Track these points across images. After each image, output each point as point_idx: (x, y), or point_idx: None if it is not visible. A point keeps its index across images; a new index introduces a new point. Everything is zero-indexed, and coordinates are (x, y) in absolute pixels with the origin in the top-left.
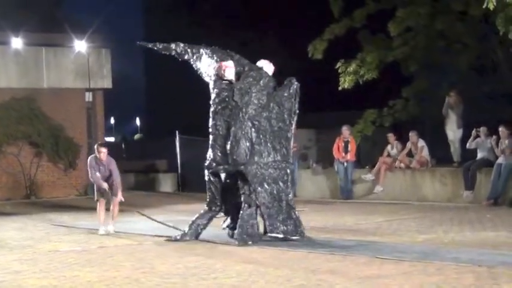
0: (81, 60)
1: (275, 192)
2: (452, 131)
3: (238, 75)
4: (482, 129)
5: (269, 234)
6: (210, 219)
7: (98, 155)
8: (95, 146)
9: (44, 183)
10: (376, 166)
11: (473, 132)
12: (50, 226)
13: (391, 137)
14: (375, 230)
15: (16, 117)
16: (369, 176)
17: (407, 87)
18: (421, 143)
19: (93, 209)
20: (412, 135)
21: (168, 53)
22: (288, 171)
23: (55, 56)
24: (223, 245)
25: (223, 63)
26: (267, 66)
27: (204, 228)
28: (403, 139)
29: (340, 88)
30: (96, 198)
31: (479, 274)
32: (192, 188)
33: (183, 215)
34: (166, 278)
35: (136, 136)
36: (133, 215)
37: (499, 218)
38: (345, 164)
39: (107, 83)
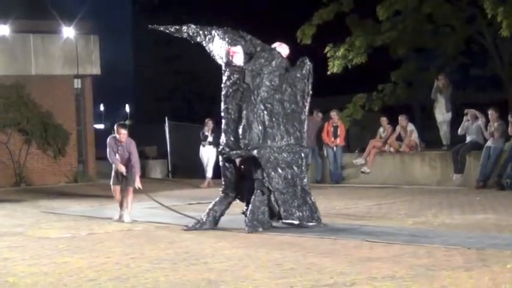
0: (69, 46)
1: (289, 177)
2: (441, 114)
3: (250, 56)
4: (471, 112)
5: (284, 221)
6: (227, 206)
7: (117, 136)
8: (115, 126)
9: (34, 170)
10: (367, 149)
11: (464, 118)
12: (40, 213)
13: (384, 120)
14: (364, 214)
15: (4, 105)
16: (360, 161)
17: (396, 71)
18: (410, 126)
19: (83, 195)
20: (402, 119)
21: (180, 36)
22: (303, 154)
23: (43, 42)
24: (215, 231)
25: (231, 49)
26: (281, 48)
27: (222, 214)
28: (392, 123)
29: (329, 72)
30: (112, 183)
31: (469, 256)
32: (182, 174)
33: (174, 200)
34: (155, 263)
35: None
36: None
37: (488, 201)
38: (334, 148)
39: (96, 70)
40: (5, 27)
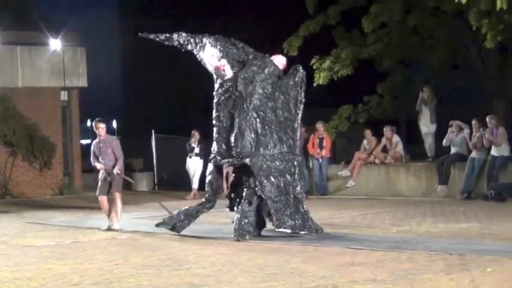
0: (56, 58)
1: (282, 185)
2: (426, 126)
3: (243, 63)
4: (455, 124)
5: (276, 229)
6: (205, 210)
7: (96, 132)
8: (93, 123)
9: (19, 182)
10: (352, 161)
11: (449, 129)
12: (25, 223)
13: (368, 133)
14: (348, 223)
15: None
16: (345, 172)
17: (382, 83)
18: (396, 138)
19: (68, 207)
20: (387, 130)
21: (170, 44)
22: (295, 163)
23: (30, 54)
24: (198, 239)
25: (220, 64)
26: (278, 59)
27: (198, 213)
28: (378, 135)
29: (315, 84)
30: (97, 194)
31: (450, 261)
32: (168, 187)
33: (159, 211)
34: (139, 269)
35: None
36: (134, 213)
37: (472, 211)
38: (320, 160)
39: (83, 82)
40: None
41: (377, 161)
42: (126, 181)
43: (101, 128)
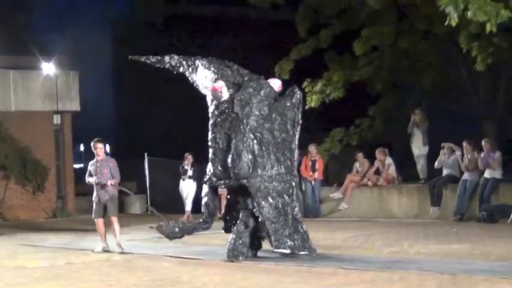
0: (49, 82)
1: (280, 206)
2: (418, 148)
3: (238, 85)
4: (447, 146)
5: (275, 250)
6: (200, 228)
7: (95, 152)
8: (92, 143)
9: (13, 205)
10: (344, 184)
11: (441, 151)
12: (17, 245)
13: (360, 156)
14: (341, 245)
15: None
16: (337, 194)
17: (373, 106)
18: (389, 160)
19: (61, 229)
20: (379, 152)
21: (161, 66)
22: (293, 183)
23: (22, 78)
24: (191, 260)
25: (217, 86)
26: (273, 82)
27: (194, 230)
28: (370, 158)
29: (307, 107)
30: (93, 216)
31: (442, 281)
32: (161, 209)
33: (151, 234)
34: None
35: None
36: (127, 235)
37: (464, 232)
38: (313, 182)
39: (75, 106)
40: None
41: (370, 183)
42: (123, 192)
43: (99, 148)
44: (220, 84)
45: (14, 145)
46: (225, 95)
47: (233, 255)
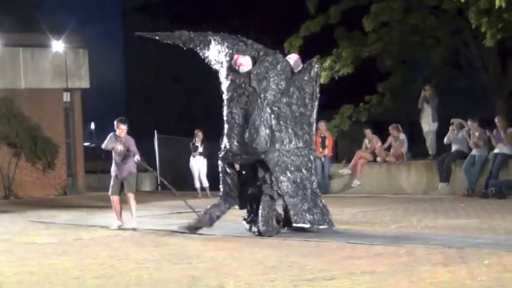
0: (58, 60)
1: (298, 180)
2: (428, 124)
3: (254, 60)
4: (456, 122)
5: (295, 225)
6: (224, 211)
7: (117, 131)
8: (115, 122)
9: (23, 183)
10: (353, 160)
11: (450, 127)
12: (28, 222)
13: (368, 132)
14: (349, 220)
15: None
16: (346, 171)
17: (383, 82)
18: (402, 136)
19: (71, 206)
20: (392, 128)
21: (171, 42)
22: (312, 157)
23: (32, 56)
24: (200, 235)
25: (239, 59)
26: (290, 56)
27: (218, 218)
28: (380, 135)
29: None
30: (110, 193)
31: (448, 254)
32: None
33: (163, 210)
34: (140, 263)
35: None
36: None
37: (472, 208)
38: (322, 159)
39: (85, 83)
40: None
41: (379, 159)
42: (142, 166)
43: (121, 130)
44: (243, 62)
45: (24, 123)
46: (242, 70)
47: (268, 230)
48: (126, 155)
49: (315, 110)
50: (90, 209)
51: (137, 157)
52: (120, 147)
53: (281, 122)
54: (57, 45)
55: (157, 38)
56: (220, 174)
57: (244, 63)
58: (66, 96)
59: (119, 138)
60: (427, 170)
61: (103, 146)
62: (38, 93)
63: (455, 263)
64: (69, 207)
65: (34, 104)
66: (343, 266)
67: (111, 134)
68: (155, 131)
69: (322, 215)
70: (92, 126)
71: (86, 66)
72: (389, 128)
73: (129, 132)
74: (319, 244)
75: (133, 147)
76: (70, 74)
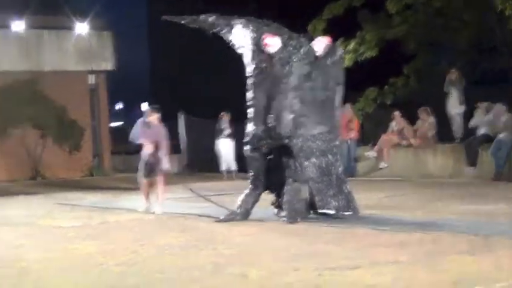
0: (83, 42)
1: (324, 165)
2: (454, 108)
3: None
4: (482, 105)
5: (320, 211)
6: (257, 197)
7: (148, 120)
8: (147, 110)
9: (49, 164)
10: (378, 142)
11: (476, 111)
12: (53, 204)
13: (396, 115)
14: (375, 205)
15: (19, 100)
16: (371, 153)
17: (408, 64)
18: (432, 119)
19: (97, 188)
20: (422, 111)
21: (197, 26)
22: (337, 142)
23: (57, 38)
24: (227, 222)
25: (266, 39)
26: (321, 39)
27: (252, 207)
28: (405, 117)
29: None
30: (138, 176)
31: (475, 242)
32: (197, 168)
33: (187, 193)
34: (165, 249)
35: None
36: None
37: (500, 193)
38: (348, 142)
39: (110, 65)
40: (20, 23)
41: (404, 142)
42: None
43: (152, 117)
44: (271, 42)
45: (49, 105)
46: (269, 51)
47: (291, 216)
48: (156, 145)
49: (340, 94)
50: (115, 191)
51: (166, 164)
52: (147, 148)
53: (305, 107)
54: (82, 28)
55: (183, 22)
56: (248, 160)
57: (271, 43)
58: (91, 79)
59: (148, 126)
60: (454, 153)
61: (130, 137)
62: (63, 75)
63: (482, 251)
64: (95, 189)
65: (59, 87)
66: (367, 254)
67: (139, 121)
68: (181, 113)
69: (347, 201)
70: (118, 106)
71: (111, 49)
72: (418, 111)
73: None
74: (344, 231)
75: (163, 138)
76: (94, 57)
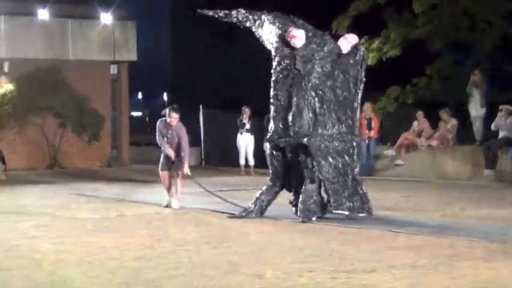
0: (106, 32)
1: (340, 166)
2: (475, 110)
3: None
4: (505, 108)
5: (334, 211)
6: (274, 195)
7: (168, 120)
8: (167, 110)
9: (68, 153)
10: (398, 141)
11: (498, 114)
12: (70, 195)
13: (420, 114)
14: (392, 206)
15: (41, 88)
16: (390, 152)
17: (431, 65)
18: (453, 121)
19: (115, 179)
20: (443, 113)
21: (229, 21)
22: (354, 143)
23: (81, 28)
24: (242, 218)
25: (292, 31)
26: (349, 38)
27: (269, 204)
28: (428, 117)
29: None
30: (160, 169)
31: (491, 248)
32: (215, 162)
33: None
34: (180, 245)
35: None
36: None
37: None
38: (367, 141)
39: (132, 56)
40: (44, 12)
41: (422, 141)
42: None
43: (174, 118)
44: (296, 34)
45: (71, 94)
46: (295, 44)
47: (305, 215)
48: (178, 144)
49: (360, 95)
50: (133, 183)
51: (186, 169)
52: (171, 153)
53: (325, 106)
54: (106, 18)
55: (216, 16)
56: (268, 157)
57: (298, 35)
58: (113, 69)
59: (169, 126)
60: (473, 155)
61: (157, 140)
62: (86, 65)
63: (498, 258)
64: (112, 180)
65: (81, 76)
66: (383, 257)
67: (160, 122)
68: (200, 106)
69: (362, 203)
70: (140, 95)
71: (134, 39)
72: (440, 112)
73: (169, 104)
74: (360, 231)
75: (184, 139)
76: (118, 47)
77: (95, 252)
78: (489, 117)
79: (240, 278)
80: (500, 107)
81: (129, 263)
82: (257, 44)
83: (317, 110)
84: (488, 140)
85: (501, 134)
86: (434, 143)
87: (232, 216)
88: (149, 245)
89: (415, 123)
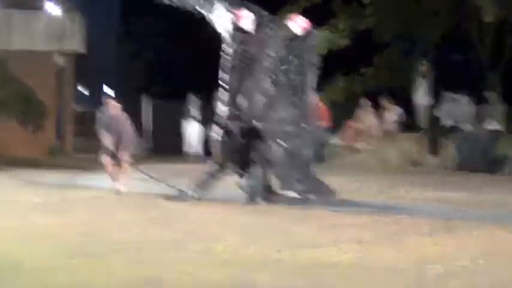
0: (52, 23)
1: (291, 149)
2: (421, 99)
3: (257, 26)
4: (448, 96)
5: (284, 192)
6: (218, 178)
7: (107, 109)
8: (105, 100)
9: (11, 143)
10: (345, 130)
11: (443, 101)
12: (13, 181)
13: (364, 103)
14: (337, 190)
15: None
16: (338, 140)
17: (378, 55)
18: (396, 109)
19: (58, 167)
20: (384, 101)
21: (183, 6)
22: (306, 127)
23: (26, 18)
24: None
25: (238, 12)
26: (299, 21)
27: (212, 187)
28: (375, 107)
29: None
30: (102, 157)
31: (435, 225)
32: (161, 151)
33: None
34: (125, 225)
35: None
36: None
37: (463, 182)
38: (317, 129)
39: (78, 47)
40: None
41: (369, 130)
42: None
43: (111, 105)
44: (242, 14)
45: (16, 84)
46: (244, 25)
47: (253, 197)
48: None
49: (313, 79)
50: (76, 170)
51: (127, 156)
52: (110, 141)
53: (278, 90)
54: (51, 8)
55: (172, 4)
56: (216, 140)
57: (245, 15)
58: (59, 60)
59: (108, 114)
60: (417, 142)
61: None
62: (31, 55)
63: (442, 233)
64: (56, 168)
65: (27, 67)
66: (329, 234)
67: (100, 111)
68: (144, 96)
69: (313, 185)
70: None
71: (80, 30)
72: (380, 100)
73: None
74: (307, 212)
75: (127, 127)
76: (63, 37)
77: (39, 230)
78: (434, 105)
79: (186, 252)
80: (444, 94)
81: (73, 238)
82: (206, 30)
83: (270, 93)
84: (433, 127)
85: (445, 121)
86: (378, 130)
87: (178, 199)
88: (93, 224)
89: (360, 112)
